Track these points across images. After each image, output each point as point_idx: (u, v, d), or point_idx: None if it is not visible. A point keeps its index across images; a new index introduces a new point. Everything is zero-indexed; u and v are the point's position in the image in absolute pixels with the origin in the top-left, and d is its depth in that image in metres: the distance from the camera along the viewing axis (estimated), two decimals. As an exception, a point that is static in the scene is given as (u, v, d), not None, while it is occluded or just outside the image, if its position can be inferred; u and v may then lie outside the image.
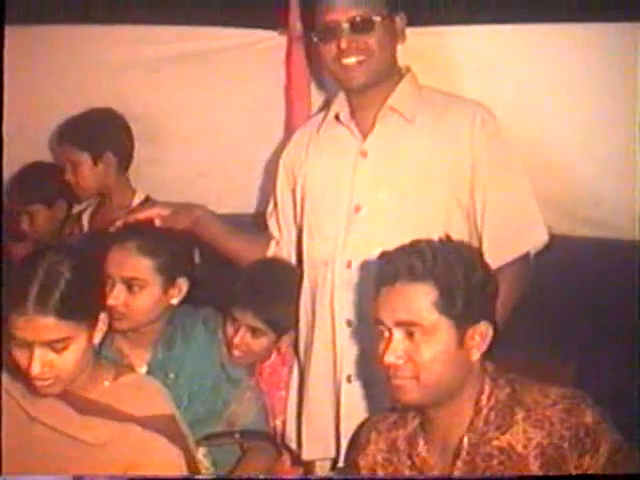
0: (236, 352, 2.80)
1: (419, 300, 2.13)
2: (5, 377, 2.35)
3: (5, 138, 3.44)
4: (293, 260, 2.93)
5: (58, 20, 3.38)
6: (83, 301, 2.24)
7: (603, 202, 3.01)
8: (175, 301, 2.74)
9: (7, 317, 2.20)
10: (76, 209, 3.58)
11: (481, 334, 2.17)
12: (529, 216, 2.70)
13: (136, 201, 3.32)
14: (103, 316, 2.30)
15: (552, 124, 3.03)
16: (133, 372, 2.56)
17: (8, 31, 3.39)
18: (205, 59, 3.33)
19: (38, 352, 2.19)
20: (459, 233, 2.57)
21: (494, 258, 2.44)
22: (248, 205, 3.37)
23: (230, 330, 2.81)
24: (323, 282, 2.74)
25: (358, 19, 2.65)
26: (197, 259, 2.90)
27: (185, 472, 2.33)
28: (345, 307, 2.68)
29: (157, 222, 2.79)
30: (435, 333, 2.13)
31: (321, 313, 2.75)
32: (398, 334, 2.14)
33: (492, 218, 2.67)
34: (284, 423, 2.89)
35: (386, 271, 2.17)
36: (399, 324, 2.14)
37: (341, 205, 2.72)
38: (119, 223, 2.79)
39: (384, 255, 2.22)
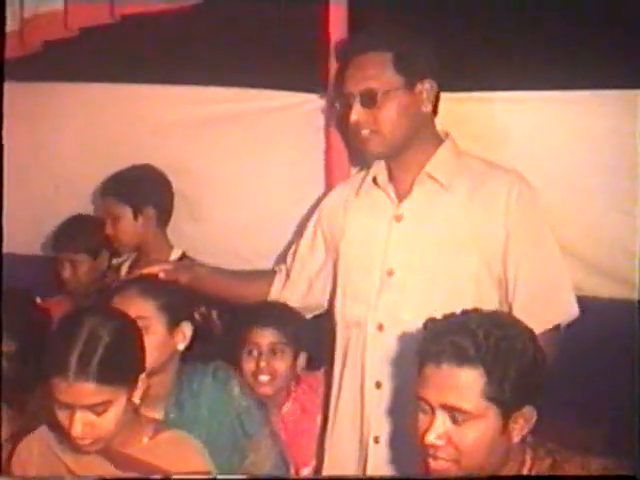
0: (262, 377, 2.88)
1: (467, 387, 2.08)
2: (47, 431, 2.40)
3: (51, 189, 3.56)
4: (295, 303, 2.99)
5: (106, 78, 3.48)
6: (123, 364, 2.28)
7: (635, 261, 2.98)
8: (181, 346, 2.74)
9: (49, 380, 2.24)
10: (115, 261, 3.63)
11: (525, 419, 2.13)
12: (561, 289, 2.70)
13: (173, 257, 3.36)
14: (143, 376, 2.34)
15: (588, 188, 2.99)
16: (171, 429, 2.55)
17: (60, 88, 3.52)
18: (247, 120, 3.37)
19: (79, 415, 2.22)
20: (489, 301, 2.60)
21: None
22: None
23: (250, 361, 2.89)
24: (355, 343, 2.77)
25: (366, 93, 2.70)
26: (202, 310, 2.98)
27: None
28: (375, 369, 2.70)
29: (161, 275, 2.86)
30: (480, 420, 2.09)
31: (351, 373, 2.77)
32: (441, 416, 2.10)
33: (524, 289, 2.66)
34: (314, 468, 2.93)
35: (433, 347, 2.11)
36: (444, 407, 2.09)
37: (374, 268, 2.75)
38: (122, 279, 2.84)
39: (431, 323, 2.19)
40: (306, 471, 2.94)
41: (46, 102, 3.60)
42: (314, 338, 3.01)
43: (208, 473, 2.40)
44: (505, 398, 2.08)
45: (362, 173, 2.95)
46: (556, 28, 2.86)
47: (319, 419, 2.98)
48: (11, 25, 3.38)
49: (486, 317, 2.16)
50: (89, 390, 2.21)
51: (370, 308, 2.74)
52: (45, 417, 2.42)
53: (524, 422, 2.13)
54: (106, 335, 2.26)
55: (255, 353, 2.90)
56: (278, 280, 3.04)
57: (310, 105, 3.28)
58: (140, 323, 2.58)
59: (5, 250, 3.63)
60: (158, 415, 2.69)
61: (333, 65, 3.08)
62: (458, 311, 2.19)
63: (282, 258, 3.24)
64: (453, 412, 2.09)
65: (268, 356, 2.90)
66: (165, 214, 3.42)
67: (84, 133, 3.58)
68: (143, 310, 2.67)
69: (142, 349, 2.39)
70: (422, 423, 2.13)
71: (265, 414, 2.85)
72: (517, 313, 2.62)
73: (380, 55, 2.72)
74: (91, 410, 2.23)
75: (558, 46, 2.84)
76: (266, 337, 2.91)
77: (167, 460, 2.35)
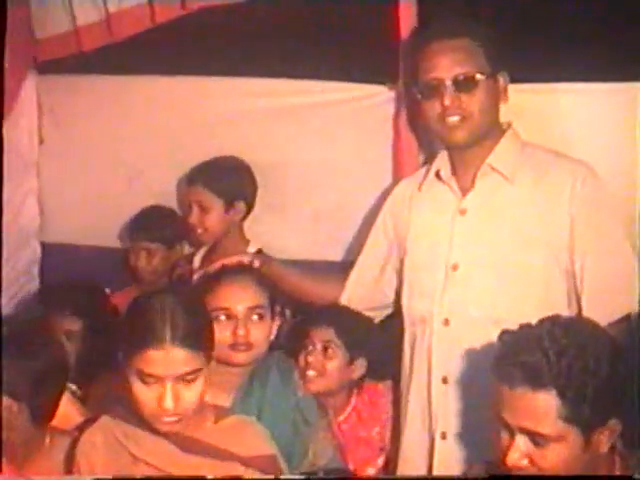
0: (309, 372, 2.86)
1: (543, 411, 2.04)
2: (110, 420, 2.41)
3: (124, 179, 3.59)
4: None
5: (176, 71, 3.51)
6: (205, 335, 2.32)
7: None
8: (271, 337, 2.79)
9: (132, 356, 2.27)
10: (188, 251, 3.65)
11: (611, 431, 2.09)
12: (630, 278, 2.64)
13: (250, 251, 3.35)
14: (213, 354, 2.36)
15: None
16: (234, 414, 2.56)
17: (131, 81, 3.55)
18: (315, 112, 3.38)
19: (170, 386, 2.24)
20: (558, 294, 2.58)
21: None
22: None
23: (302, 357, 2.88)
24: (421, 338, 2.76)
25: (462, 77, 2.66)
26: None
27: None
28: (441, 364, 2.69)
29: (256, 263, 2.92)
30: (561, 441, 2.05)
31: (418, 369, 2.76)
32: (521, 438, 2.06)
33: (592, 280, 2.63)
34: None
35: (505, 367, 2.07)
36: (522, 430, 2.06)
37: (439, 262, 2.73)
38: (217, 265, 2.88)
39: (506, 336, 2.14)
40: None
41: (118, 95, 3.64)
42: (382, 346, 2.97)
43: (274, 457, 2.40)
44: (584, 417, 2.03)
45: (425, 167, 2.94)
46: (622, 19, 2.79)
47: (376, 431, 2.96)
48: (92, 17, 3.44)
49: (562, 329, 2.09)
50: (183, 357, 2.25)
51: (436, 303, 2.72)
52: (108, 407, 2.45)
53: (610, 434, 2.08)
54: (193, 308, 2.33)
55: (309, 349, 2.90)
56: (348, 281, 3.02)
57: (379, 97, 3.27)
58: (258, 311, 2.70)
59: (69, 242, 3.73)
60: (227, 403, 2.69)
61: (403, 56, 3.07)
62: (534, 321, 2.15)
63: (351, 251, 3.25)
64: (532, 435, 2.05)
65: (319, 353, 2.89)
66: (250, 209, 3.41)
67: (155, 125, 3.61)
68: (261, 298, 2.74)
69: (212, 332, 2.40)
70: (504, 442, 2.09)
71: (323, 408, 2.85)
72: (586, 304, 2.61)
73: (469, 42, 2.70)
74: (182, 381, 2.25)
75: (624, 38, 2.77)
76: (321, 334, 2.90)
77: (233, 444, 2.36)
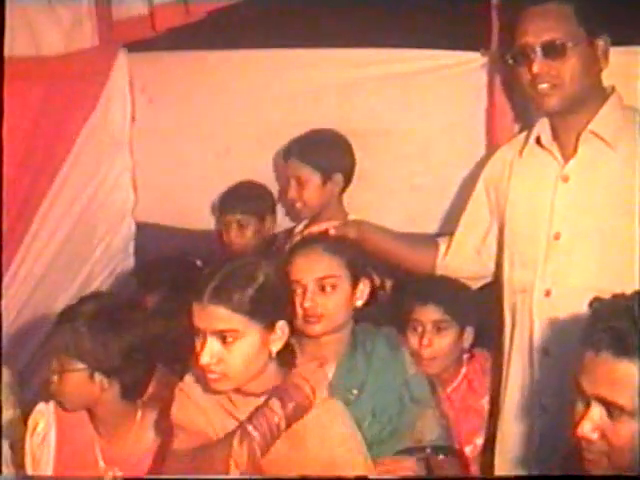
0: (425, 353, 2.84)
1: (623, 381, 1.96)
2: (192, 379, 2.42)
3: (210, 159, 3.61)
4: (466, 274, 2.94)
5: (266, 44, 3.51)
6: (263, 302, 2.28)
7: None
8: (360, 303, 2.71)
9: (190, 306, 2.29)
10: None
11: None
12: None
13: None
14: (282, 324, 2.31)
15: None
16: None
17: (222, 55, 3.56)
18: (406, 80, 3.35)
19: (209, 341, 2.25)
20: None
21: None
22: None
23: (414, 337, 2.86)
24: (522, 309, 2.72)
25: (550, 44, 2.60)
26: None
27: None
28: (543, 335, 2.65)
29: (331, 231, 2.83)
30: (635, 418, 1.97)
31: (519, 340, 2.73)
32: (596, 408, 1.99)
33: None
34: (476, 447, 2.89)
35: (594, 333, 2.00)
36: (599, 399, 1.98)
37: (541, 231, 2.68)
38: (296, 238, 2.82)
39: (596, 303, 2.08)
40: (469, 449, 2.90)
41: (210, 71, 3.66)
42: (485, 313, 2.94)
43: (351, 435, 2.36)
44: None
45: (524, 133, 2.88)
46: None
47: (486, 400, 2.94)
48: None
49: None
50: (219, 314, 2.24)
51: (537, 273, 2.68)
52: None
53: None
54: (259, 274, 2.29)
55: (419, 330, 2.87)
56: (444, 249, 2.98)
57: (472, 64, 3.23)
58: (329, 281, 2.63)
59: (162, 223, 3.77)
60: (329, 374, 2.64)
61: (495, 22, 3.03)
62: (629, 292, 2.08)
63: (447, 222, 3.22)
64: (608, 405, 1.98)
65: (431, 333, 2.87)
66: (349, 181, 3.39)
67: (245, 100, 3.63)
68: (333, 268, 2.66)
69: (288, 299, 2.40)
70: (578, 412, 2.03)
71: (433, 385, 2.80)
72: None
73: (561, 6, 2.63)
74: (220, 338, 2.25)
75: None
76: (430, 314, 2.87)
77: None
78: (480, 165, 3.05)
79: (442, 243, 3.00)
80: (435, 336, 2.88)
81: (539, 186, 2.73)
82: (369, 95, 3.42)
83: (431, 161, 3.36)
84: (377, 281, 2.88)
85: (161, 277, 3.25)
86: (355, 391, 2.68)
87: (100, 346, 2.46)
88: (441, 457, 2.70)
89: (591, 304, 2.09)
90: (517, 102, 3.10)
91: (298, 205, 3.39)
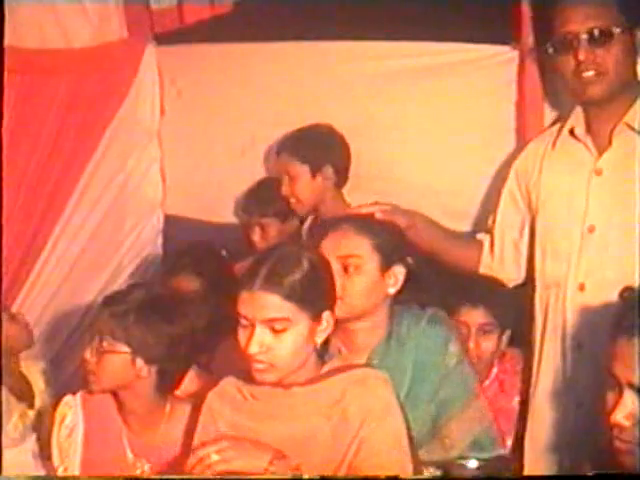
0: (469, 356, 2.77)
1: None
2: (234, 379, 2.39)
3: (236, 152, 3.61)
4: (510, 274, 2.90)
5: (289, 37, 3.51)
6: (311, 291, 2.25)
7: None
8: (392, 290, 2.59)
9: (236, 295, 2.25)
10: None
11: None
12: None
13: None
14: (327, 315, 2.29)
15: None
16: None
17: (261, 48, 3.56)
18: (434, 74, 3.33)
19: (258, 330, 2.21)
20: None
21: None
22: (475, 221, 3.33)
23: (463, 335, 2.80)
24: (555, 303, 2.70)
25: (597, 31, 2.59)
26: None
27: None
28: (576, 330, 2.63)
29: (378, 214, 2.70)
30: None
31: (552, 334, 2.71)
32: (629, 395, 1.97)
33: None
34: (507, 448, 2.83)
35: (626, 319, 2.00)
36: (632, 385, 1.97)
37: (575, 224, 2.67)
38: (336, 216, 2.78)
39: (628, 292, 2.07)
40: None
41: (238, 63, 3.66)
42: (518, 311, 2.91)
43: (389, 406, 2.29)
44: None
45: (556, 126, 2.86)
46: None
47: (517, 401, 2.91)
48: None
49: None
50: (271, 302, 2.21)
51: (571, 267, 2.66)
52: (231, 367, 2.43)
53: None
54: (304, 262, 2.26)
55: (464, 332, 2.81)
56: (487, 246, 2.96)
57: (500, 57, 3.20)
58: (353, 261, 2.53)
59: (190, 216, 3.77)
60: (361, 361, 2.58)
61: (527, 13, 3.00)
62: None
63: (477, 218, 3.20)
64: None
65: (477, 336, 2.83)
66: (343, 174, 3.38)
67: (273, 93, 3.62)
68: (358, 247, 2.56)
69: (332, 289, 2.35)
70: (610, 400, 2.01)
71: (476, 382, 2.68)
72: None
73: None
74: (270, 327, 2.22)
75: None
76: (476, 317, 2.83)
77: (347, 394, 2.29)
78: (510, 159, 3.03)
79: (485, 245, 2.97)
80: (481, 339, 2.84)
81: (572, 179, 2.71)
82: (399, 88, 3.39)
83: (460, 155, 3.33)
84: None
85: (186, 261, 3.24)
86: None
87: (148, 333, 2.49)
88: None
89: (622, 293, 2.09)
90: (548, 95, 3.07)
91: (292, 201, 3.39)
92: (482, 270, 2.95)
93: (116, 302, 2.54)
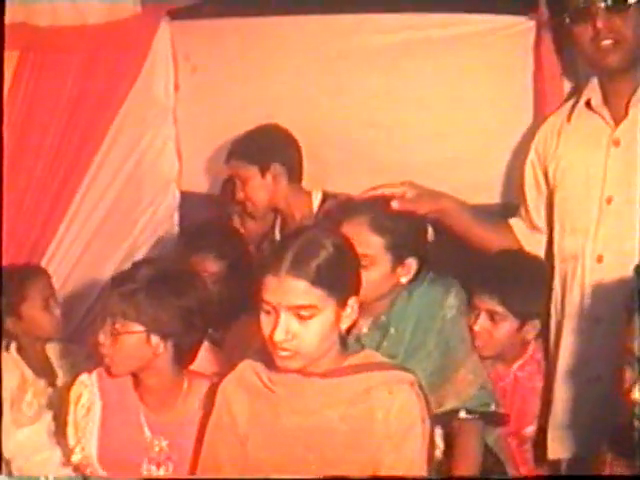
0: (477, 342, 2.76)
1: None
2: (252, 363, 2.38)
3: (255, 124, 3.57)
4: (539, 250, 2.87)
5: (301, 11, 3.47)
6: (337, 275, 2.23)
7: None
8: (404, 280, 2.66)
9: (260, 280, 2.23)
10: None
11: None
12: None
13: (315, 202, 3.31)
14: (353, 301, 2.27)
15: None
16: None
17: (275, 22, 3.55)
18: (451, 46, 3.29)
19: (284, 317, 2.19)
20: None
21: None
22: (496, 195, 3.29)
23: (470, 318, 2.78)
24: (572, 277, 2.69)
25: None
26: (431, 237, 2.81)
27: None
28: (594, 303, 2.62)
29: (394, 204, 2.69)
30: None
31: (570, 308, 2.69)
32: None
33: None
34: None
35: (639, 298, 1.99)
36: None
37: (592, 196, 2.65)
38: (366, 194, 2.73)
39: None
40: (530, 430, 2.86)
41: (253, 38, 3.62)
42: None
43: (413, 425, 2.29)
44: None
45: (571, 101, 2.85)
46: None
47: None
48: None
49: None
50: (299, 288, 2.18)
51: (589, 239, 2.65)
52: (248, 350, 2.43)
53: None
54: (329, 245, 2.24)
55: (475, 313, 2.78)
56: (519, 231, 2.92)
57: (517, 28, 3.17)
58: (365, 260, 2.53)
59: (206, 192, 3.76)
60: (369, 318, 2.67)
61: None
62: None
63: (493, 193, 3.18)
64: None
65: (485, 322, 2.77)
66: (295, 170, 3.36)
67: (287, 68, 3.58)
68: (371, 247, 2.60)
69: (358, 274, 2.34)
70: (628, 377, 2.02)
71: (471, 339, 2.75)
72: None
73: None
74: (296, 314, 2.20)
75: None
76: (486, 303, 2.77)
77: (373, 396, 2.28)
78: (529, 131, 3.01)
79: (516, 227, 2.93)
80: (489, 325, 2.77)
81: (590, 150, 2.69)
82: (414, 61, 3.35)
83: (476, 129, 3.29)
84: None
85: (208, 243, 3.23)
86: (392, 330, 2.68)
87: (160, 309, 2.48)
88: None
89: (637, 269, 2.10)
90: (567, 65, 3.03)
91: (248, 205, 3.37)
92: (527, 247, 2.90)
93: (124, 282, 2.52)
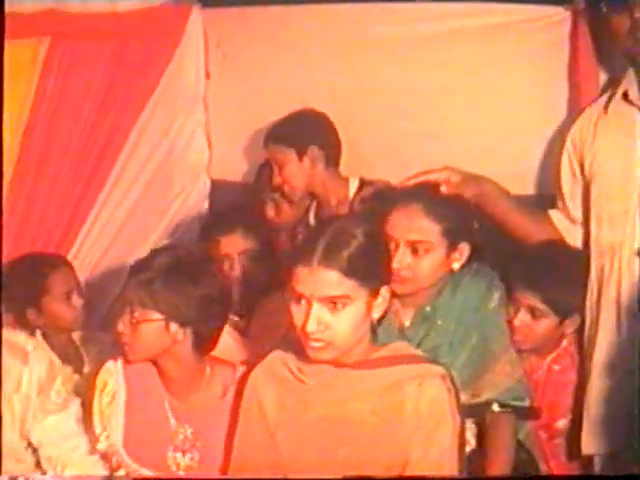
0: (516, 336, 2.74)
1: None
2: (282, 353, 2.37)
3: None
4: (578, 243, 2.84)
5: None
6: (369, 265, 2.21)
7: None
8: (457, 265, 2.66)
9: (291, 271, 2.21)
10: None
11: None
12: None
13: (352, 189, 3.30)
14: (384, 290, 2.26)
15: None
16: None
17: (307, 10, 3.56)
18: (487, 35, 3.27)
19: (316, 307, 2.17)
20: None
21: None
22: (530, 186, 3.27)
23: (510, 312, 2.76)
24: (610, 270, 2.67)
25: None
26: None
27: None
28: (632, 296, 2.58)
29: (443, 188, 2.70)
30: None
31: (607, 302, 2.66)
32: None
33: None
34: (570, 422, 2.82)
35: None
36: None
37: (630, 188, 2.62)
38: (410, 181, 2.72)
39: None
40: (561, 423, 2.83)
41: (283, 26, 3.62)
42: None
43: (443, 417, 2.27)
44: None
45: (609, 91, 2.81)
46: None
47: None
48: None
49: None
50: (331, 279, 2.17)
51: (627, 232, 2.63)
52: (275, 339, 2.43)
53: None
54: (359, 234, 2.22)
55: (515, 307, 2.76)
56: (559, 223, 2.88)
57: (553, 18, 3.15)
58: (422, 246, 2.58)
59: (237, 180, 3.75)
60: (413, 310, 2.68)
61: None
62: None
63: (527, 184, 3.17)
64: None
65: (525, 317, 2.75)
66: (332, 154, 3.36)
67: (318, 56, 3.58)
68: (428, 234, 2.61)
69: (389, 262, 2.34)
70: None
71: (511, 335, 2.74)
72: None
73: None
74: (328, 305, 2.18)
75: None
76: (526, 299, 2.74)
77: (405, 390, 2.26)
78: (564, 123, 3.00)
79: (555, 218, 2.89)
80: (529, 320, 2.75)
81: (627, 142, 2.65)
82: (447, 50, 3.35)
83: (511, 120, 3.28)
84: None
85: (233, 220, 3.22)
86: (440, 321, 2.68)
87: (178, 296, 2.46)
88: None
89: None
90: (604, 57, 3.02)
91: (286, 189, 3.36)
92: (568, 239, 2.87)
93: (142, 270, 2.51)
